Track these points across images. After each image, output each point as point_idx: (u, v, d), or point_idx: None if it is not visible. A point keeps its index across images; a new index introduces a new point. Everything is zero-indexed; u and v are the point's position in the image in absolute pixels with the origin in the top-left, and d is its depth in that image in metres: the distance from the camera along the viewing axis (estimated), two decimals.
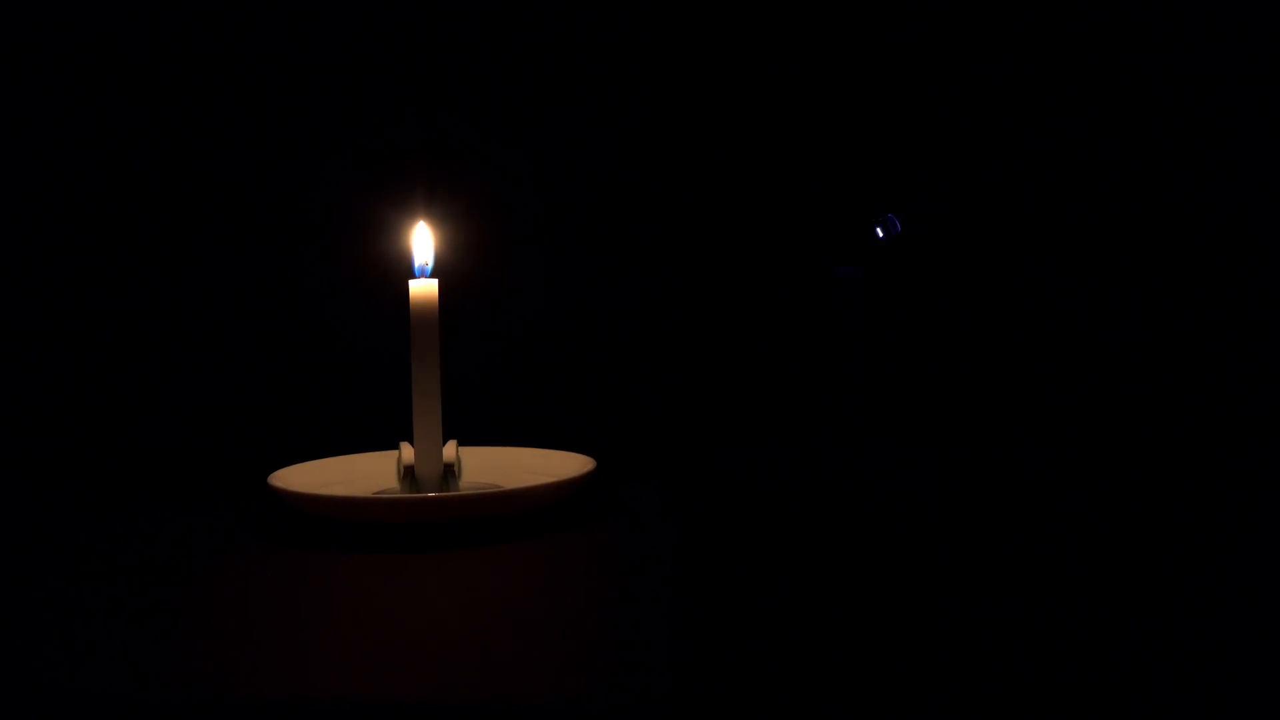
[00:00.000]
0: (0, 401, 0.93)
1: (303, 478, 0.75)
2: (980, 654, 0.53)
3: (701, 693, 0.48)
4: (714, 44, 0.95)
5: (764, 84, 0.95)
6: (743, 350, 0.95)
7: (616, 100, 0.95)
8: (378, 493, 0.74)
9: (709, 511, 0.74)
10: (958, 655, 0.53)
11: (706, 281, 0.96)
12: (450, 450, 0.74)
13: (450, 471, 0.74)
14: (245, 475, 0.78)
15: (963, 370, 0.91)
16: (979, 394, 0.91)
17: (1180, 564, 0.63)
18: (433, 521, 0.68)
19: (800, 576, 0.63)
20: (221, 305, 0.95)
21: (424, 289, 0.73)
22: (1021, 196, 0.89)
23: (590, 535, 0.69)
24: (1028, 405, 0.89)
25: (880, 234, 0.69)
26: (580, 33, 0.94)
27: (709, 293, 0.96)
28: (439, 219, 0.78)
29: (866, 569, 0.64)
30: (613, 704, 0.46)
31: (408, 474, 0.74)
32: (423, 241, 0.76)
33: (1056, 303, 0.88)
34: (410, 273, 0.75)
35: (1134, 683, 0.51)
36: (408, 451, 0.74)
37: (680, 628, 0.54)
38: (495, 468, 0.79)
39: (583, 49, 0.95)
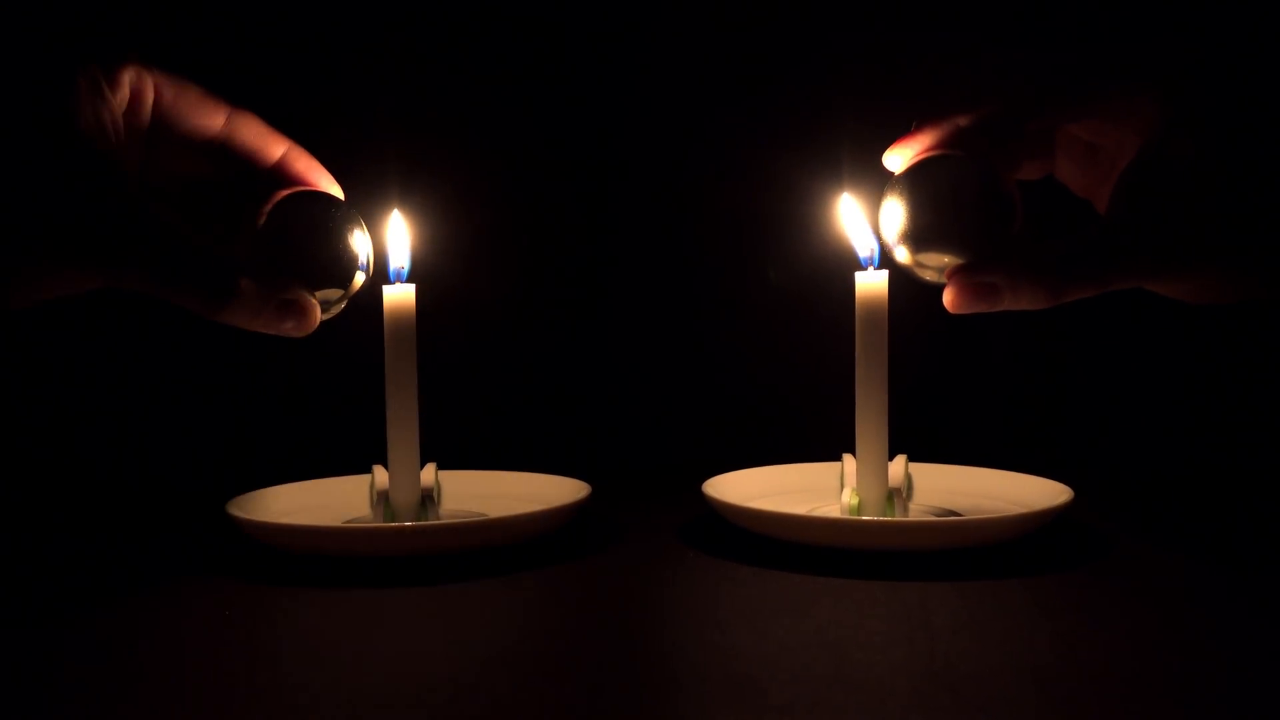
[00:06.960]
0: None
1: (264, 505, 0.72)
2: None
3: None
4: (715, 37, 0.92)
5: (767, 84, 0.92)
6: (754, 362, 0.92)
7: (618, 86, 0.92)
8: (348, 521, 0.71)
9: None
10: None
11: (712, 286, 0.93)
12: (429, 474, 0.71)
13: (429, 498, 0.71)
14: (200, 503, 0.75)
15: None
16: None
17: None
18: (409, 554, 0.65)
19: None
20: (172, 312, 0.90)
21: (400, 295, 0.70)
22: None
23: (583, 568, 0.66)
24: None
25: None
26: (579, 9, 0.91)
27: (714, 299, 0.93)
28: (416, 214, 0.73)
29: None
30: None
31: (382, 500, 0.70)
32: (398, 241, 0.71)
33: None
34: (385, 277, 0.70)
35: None
36: (381, 476, 0.71)
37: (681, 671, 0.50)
38: (478, 493, 0.76)
39: (580, 26, 0.91)
